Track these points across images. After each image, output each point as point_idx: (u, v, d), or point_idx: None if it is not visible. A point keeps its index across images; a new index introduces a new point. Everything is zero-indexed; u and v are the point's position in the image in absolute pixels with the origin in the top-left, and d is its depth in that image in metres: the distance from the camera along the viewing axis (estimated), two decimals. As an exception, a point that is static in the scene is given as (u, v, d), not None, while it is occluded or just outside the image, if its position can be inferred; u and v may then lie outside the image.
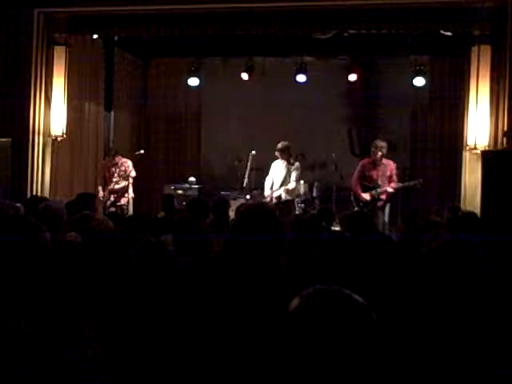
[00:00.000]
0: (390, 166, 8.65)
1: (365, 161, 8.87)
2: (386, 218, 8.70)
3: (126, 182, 9.21)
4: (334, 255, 3.28)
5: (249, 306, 2.20)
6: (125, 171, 9.18)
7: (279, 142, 8.94)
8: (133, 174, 9.25)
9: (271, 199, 8.73)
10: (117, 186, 9.14)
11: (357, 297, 1.56)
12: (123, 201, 9.19)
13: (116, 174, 9.20)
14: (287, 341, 1.52)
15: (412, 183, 8.88)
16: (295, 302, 1.56)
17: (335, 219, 6.83)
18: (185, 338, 2.29)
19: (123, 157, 9.38)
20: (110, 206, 9.03)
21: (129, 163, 9.25)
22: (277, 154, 8.87)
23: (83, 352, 2.37)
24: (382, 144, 8.56)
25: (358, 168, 8.85)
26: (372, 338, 1.52)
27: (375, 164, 8.63)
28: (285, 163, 8.87)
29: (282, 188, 8.79)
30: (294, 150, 9.04)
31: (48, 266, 2.56)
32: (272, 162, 9.08)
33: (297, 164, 8.90)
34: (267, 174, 9.12)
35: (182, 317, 2.40)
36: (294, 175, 8.83)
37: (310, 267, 3.25)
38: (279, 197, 8.81)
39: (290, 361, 1.51)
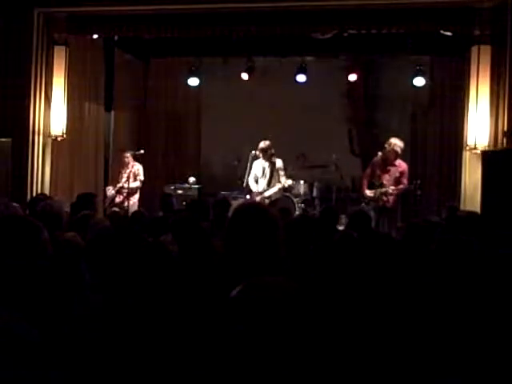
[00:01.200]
0: (401, 167, 8.34)
1: (376, 158, 8.66)
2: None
3: (137, 184, 9.33)
4: (342, 254, 3.27)
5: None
6: (134, 174, 9.29)
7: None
8: (141, 177, 9.39)
9: (263, 200, 8.55)
10: (132, 185, 9.20)
11: (296, 288, 1.60)
12: (131, 201, 9.20)
13: (125, 175, 9.28)
14: (225, 328, 1.56)
15: (411, 186, 8.73)
16: (235, 291, 1.59)
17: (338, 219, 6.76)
18: (184, 337, 2.29)
19: (135, 160, 9.46)
20: (113, 206, 8.96)
21: (140, 167, 9.40)
22: (258, 153, 8.71)
23: (83, 351, 2.37)
24: (395, 142, 8.22)
25: (370, 164, 8.68)
26: (299, 326, 1.56)
27: (385, 163, 8.37)
28: (267, 163, 8.75)
29: (277, 187, 8.71)
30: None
31: (48, 266, 2.56)
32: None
33: (279, 161, 8.79)
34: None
35: (182, 316, 2.40)
36: (282, 173, 8.76)
37: (314, 266, 3.25)
38: (270, 197, 8.71)
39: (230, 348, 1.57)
